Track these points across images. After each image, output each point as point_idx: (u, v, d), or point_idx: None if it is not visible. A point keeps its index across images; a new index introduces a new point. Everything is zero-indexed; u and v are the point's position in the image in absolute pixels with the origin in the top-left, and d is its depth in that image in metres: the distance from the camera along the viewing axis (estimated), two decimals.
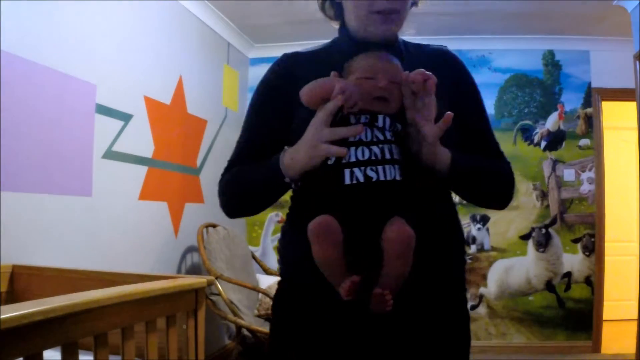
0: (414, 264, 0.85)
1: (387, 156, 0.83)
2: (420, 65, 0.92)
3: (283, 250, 1.03)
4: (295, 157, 0.88)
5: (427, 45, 1.07)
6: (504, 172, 1.02)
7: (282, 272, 1.03)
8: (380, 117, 0.85)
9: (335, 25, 1.08)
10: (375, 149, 0.83)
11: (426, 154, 0.88)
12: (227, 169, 1.05)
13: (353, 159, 0.83)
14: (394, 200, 0.84)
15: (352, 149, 0.83)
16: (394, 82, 0.86)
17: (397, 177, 0.83)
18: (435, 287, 0.96)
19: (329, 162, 0.85)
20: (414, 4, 1.04)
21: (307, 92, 0.87)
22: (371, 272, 0.83)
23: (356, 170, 0.82)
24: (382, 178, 0.82)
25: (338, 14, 1.05)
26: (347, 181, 0.82)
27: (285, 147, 0.94)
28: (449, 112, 0.85)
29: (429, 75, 0.83)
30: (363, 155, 0.83)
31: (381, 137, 0.84)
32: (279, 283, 1.04)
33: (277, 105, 0.99)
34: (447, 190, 1.01)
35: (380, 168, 0.82)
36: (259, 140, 1.02)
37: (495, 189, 1.02)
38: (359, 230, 0.83)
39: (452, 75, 1.02)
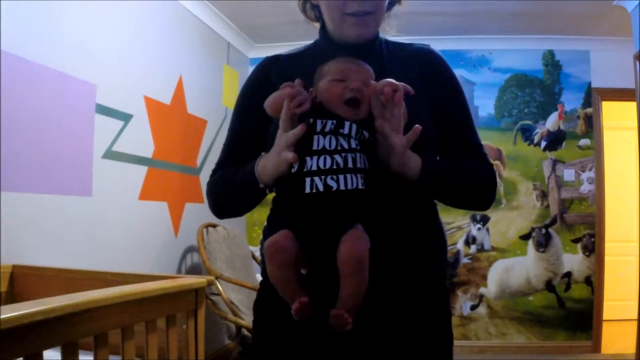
0: (382, 276, 0.86)
1: (350, 165, 0.82)
2: (400, 65, 0.94)
3: (262, 250, 1.05)
4: (266, 164, 0.90)
5: (410, 45, 1.06)
6: (482, 174, 1.00)
7: (262, 271, 1.03)
8: (347, 124, 0.84)
9: (317, 26, 1.07)
10: (337, 157, 0.82)
11: (395, 162, 0.88)
12: (214, 172, 1.08)
13: (314, 168, 0.82)
14: (354, 209, 0.83)
15: (315, 157, 0.83)
16: (365, 84, 0.86)
17: (360, 186, 0.82)
18: (408, 299, 0.94)
19: (292, 170, 0.85)
20: (395, 2, 1.03)
21: (268, 104, 0.90)
22: (329, 288, 0.82)
23: (316, 179, 0.82)
24: (342, 187, 0.81)
25: (318, 16, 1.04)
26: (307, 190, 0.82)
27: (262, 153, 0.96)
28: (416, 125, 0.84)
29: (398, 86, 0.83)
30: (325, 164, 0.82)
31: (346, 146, 0.83)
32: (261, 282, 1.05)
33: (256, 110, 0.97)
34: (424, 196, 0.99)
35: (341, 177, 0.82)
36: (241, 144, 1.05)
37: (472, 192, 1.00)
38: (316, 241, 0.83)
39: (433, 74, 1.01)
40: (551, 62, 4.04)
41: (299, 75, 0.90)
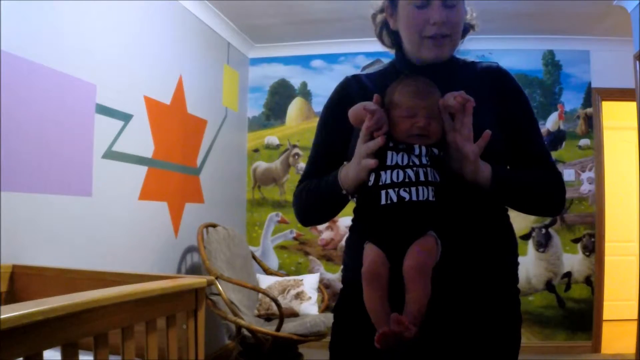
0: (457, 282, 0.96)
1: (422, 178, 0.90)
2: (471, 83, 1.02)
3: (346, 258, 1.13)
4: (348, 172, 0.99)
5: (479, 62, 1.14)
6: (551, 182, 1.06)
7: (344, 279, 1.13)
8: (416, 146, 0.92)
9: (392, 52, 1.17)
10: (409, 171, 0.90)
11: (468, 171, 0.94)
12: (300, 183, 1.17)
13: (388, 181, 0.91)
14: (426, 219, 0.90)
15: (388, 172, 0.91)
16: (432, 117, 0.93)
17: (431, 198, 0.90)
18: (482, 304, 1.00)
19: (369, 184, 0.93)
20: (470, 28, 1.12)
21: (350, 115, 0.98)
22: (402, 294, 0.89)
23: (390, 191, 0.90)
24: (414, 198, 0.89)
25: (394, 41, 1.14)
26: (383, 202, 0.91)
27: (345, 162, 1.05)
28: (487, 130, 0.92)
29: (468, 98, 0.91)
30: (398, 177, 0.91)
31: (417, 162, 0.91)
32: (342, 289, 1.14)
33: (338, 125, 1.09)
34: (497, 204, 1.06)
35: (413, 189, 0.89)
36: (325, 155, 1.15)
37: (541, 199, 1.06)
38: (392, 249, 0.90)
39: (502, 89, 1.08)
40: (551, 62, 4.04)
41: (378, 93, 0.98)
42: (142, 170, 2.79)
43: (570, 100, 4.02)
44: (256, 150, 4.29)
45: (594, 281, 3.86)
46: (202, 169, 3.49)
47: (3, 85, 1.86)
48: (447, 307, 0.97)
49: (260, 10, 3.52)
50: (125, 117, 2.63)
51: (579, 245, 3.91)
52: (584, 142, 3.99)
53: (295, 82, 4.25)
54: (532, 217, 3.95)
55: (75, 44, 2.25)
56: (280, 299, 3.18)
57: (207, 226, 3.22)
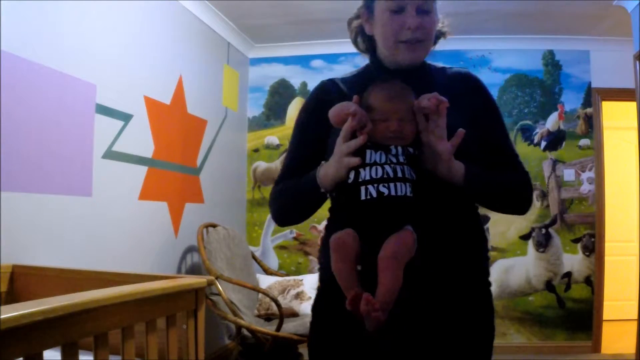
0: (431, 274, 1.00)
1: (399, 175, 0.94)
2: (443, 87, 1.05)
3: (321, 256, 1.16)
4: (327, 170, 1.02)
5: (450, 68, 1.19)
6: (519, 182, 1.12)
7: (320, 277, 1.16)
8: (393, 147, 0.97)
9: (366, 57, 1.21)
10: (387, 168, 0.95)
11: (441, 169, 0.99)
12: (276, 184, 1.20)
13: (368, 178, 0.95)
14: (405, 212, 0.95)
15: (368, 169, 0.95)
16: (404, 120, 0.98)
17: (408, 194, 0.94)
18: (456, 294, 1.05)
19: (349, 181, 0.97)
20: (441, 36, 1.17)
21: (331, 114, 1.01)
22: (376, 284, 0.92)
23: (370, 187, 0.94)
24: (393, 193, 0.93)
25: (369, 46, 1.18)
26: (363, 197, 0.94)
27: (322, 162, 1.08)
28: (460, 129, 0.97)
29: (442, 100, 0.95)
30: (376, 173, 0.94)
31: (394, 160, 0.96)
32: (318, 287, 1.17)
33: (315, 127, 1.13)
34: (468, 202, 1.10)
35: (392, 185, 0.94)
36: (301, 158, 1.17)
37: (511, 197, 1.12)
38: (373, 241, 0.94)
39: (472, 93, 1.13)
40: (551, 62, 4.04)
41: (353, 96, 1.02)
42: (142, 170, 2.79)
43: (570, 100, 4.02)
44: (256, 150, 4.29)
45: (594, 281, 3.86)
46: (202, 169, 3.49)
47: (3, 85, 1.86)
48: (422, 298, 1.01)
49: (260, 10, 3.52)
50: (125, 117, 2.63)
51: (579, 245, 3.91)
52: (584, 142, 3.99)
53: (295, 82, 4.25)
54: (532, 217, 3.96)
55: (75, 44, 2.25)
56: (280, 299, 3.18)
57: (207, 226, 3.22)
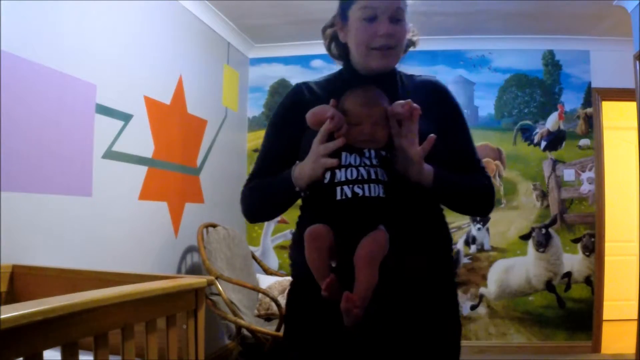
0: (401, 270, 1.04)
1: (373, 176, 0.98)
2: (412, 94, 1.12)
3: (292, 253, 1.20)
4: (302, 170, 1.05)
5: (419, 76, 1.25)
6: (483, 186, 1.18)
7: (293, 273, 1.20)
8: (366, 150, 1.01)
9: (340, 64, 1.25)
10: (362, 170, 0.99)
11: (412, 172, 1.03)
12: (248, 182, 1.23)
13: (343, 179, 0.99)
14: (377, 213, 0.99)
15: (343, 170, 0.99)
16: (378, 124, 1.02)
17: (381, 194, 0.98)
18: (423, 290, 1.10)
19: (325, 181, 1.01)
20: (412, 43, 1.21)
21: (309, 116, 1.05)
22: (351, 281, 0.96)
23: (345, 187, 0.98)
24: (367, 194, 0.97)
25: (342, 53, 1.22)
26: (338, 197, 0.98)
27: (297, 162, 1.11)
28: (431, 134, 1.02)
29: (415, 107, 1.00)
30: (352, 175, 0.98)
31: (368, 162, 1.00)
32: (291, 283, 1.21)
33: (289, 128, 1.17)
34: (435, 203, 1.16)
35: (366, 186, 0.97)
36: (275, 157, 1.20)
37: (474, 200, 1.18)
38: (347, 239, 0.98)
39: (439, 101, 1.18)
40: (551, 62, 4.04)
41: (327, 99, 1.06)
42: (142, 170, 2.79)
43: (570, 100, 4.02)
44: (256, 150, 4.28)
45: (594, 281, 3.86)
46: (202, 169, 3.49)
47: (3, 85, 1.86)
48: (394, 294, 1.06)
49: (260, 10, 3.52)
50: (125, 117, 2.63)
51: (579, 245, 3.91)
52: (584, 142, 3.99)
53: (295, 82, 4.23)
54: (532, 217, 3.96)
55: (75, 44, 2.25)
56: (280, 299, 3.18)
57: (207, 226, 3.22)
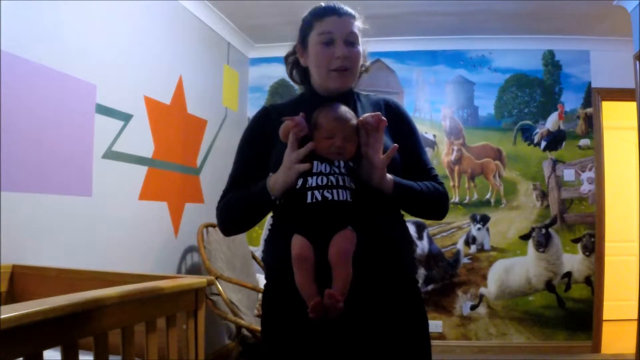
0: (365, 267, 1.12)
1: (341, 183, 1.10)
2: (369, 109, 1.28)
3: (266, 255, 1.28)
4: (277, 178, 1.15)
5: (374, 95, 1.39)
6: (438, 191, 1.28)
7: (266, 274, 1.27)
8: (336, 160, 1.13)
9: (301, 88, 1.38)
10: (331, 177, 1.10)
11: (375, 178, 1.14)
12: (223, 196, 1.30)
13: (314, 184, 1.09)
14: (345, 215, 1.09)
15: (314, 177, 1.10)
16: (347, 139, 1.13)
17: (349, 199, 1.10)
18: (387, 286, 1.19)
19: (297, 187, 1.11)
20: (365, 70, 1.34)
21: (280, 130, 1.16)
22: (325, 275, 1.08)
23: (316, 192, 1.09)
24: (336, 198, 1.08)
25: (303, 78, 1.35)
26: (309, 200, 1.09)
27: (270, 173, 1.20)
28: (394, 144, 1.14)
29: (382, 119, 1.13)
30: (322, 181, 1.10)
31: (337, 171, 1.11)
32: (265, 284, 1.28)
33: (258, 144, 1.29)
34: (395, 208, 1.26)
35: (335, 191, 1.09)
36: (247, 171, 1.30)
37: (431, 205, 1.28)
38: (317, 239, 1.08)
39: (393, 117, 1.29)
40: (551, 62, 4.04)
41: (294, 115, 1.16)
42: (142, 170, 2.79)
43: (570, 100, 4.02)
44: None
45: (594, 281, 3.86)
46: (202, 169, 3.49)
47: (3, 85, 1.86)
48: (362, 289, 1.13)
49: (260, 10, 3.52)
50: (125, 117, 2.63)
51: (579, 245, 3.91)
52: (584, 142, 3.99)
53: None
54: (532, 217, 3.96)
55: (75, 44, 2.25)
56: None
57: (207, 226, 3.22)
